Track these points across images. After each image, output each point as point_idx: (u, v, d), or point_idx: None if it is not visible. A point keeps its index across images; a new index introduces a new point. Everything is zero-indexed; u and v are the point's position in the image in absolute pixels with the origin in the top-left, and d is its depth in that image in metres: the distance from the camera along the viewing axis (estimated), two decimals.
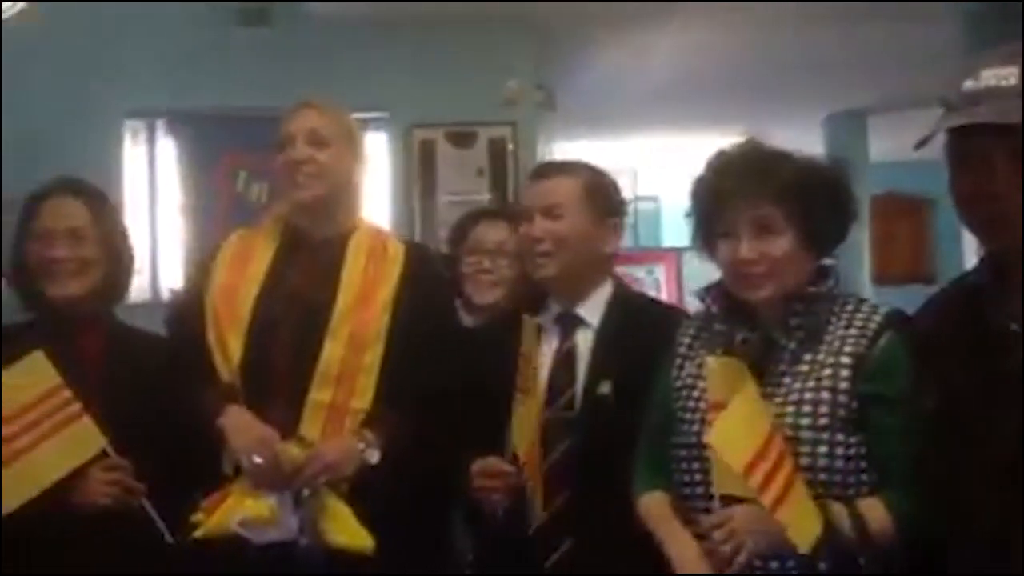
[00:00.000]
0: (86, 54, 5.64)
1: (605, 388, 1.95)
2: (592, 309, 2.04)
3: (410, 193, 5.84)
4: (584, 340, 2.01)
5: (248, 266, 2.04)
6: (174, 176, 5.36)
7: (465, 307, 2.36)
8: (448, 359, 2.03)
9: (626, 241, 2.48)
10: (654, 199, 12.57)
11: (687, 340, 1.82)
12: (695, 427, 1.71)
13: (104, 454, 1.93)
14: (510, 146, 5.84)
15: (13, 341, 2.01)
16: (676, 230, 12.42)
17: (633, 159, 10.39)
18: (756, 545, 1.55)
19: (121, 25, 5.49)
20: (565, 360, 1.99)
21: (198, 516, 1.88)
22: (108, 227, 2.08)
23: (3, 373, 1.90)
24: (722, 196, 1.69)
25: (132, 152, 5.73)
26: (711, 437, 1.57)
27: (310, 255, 2.06)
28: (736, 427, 1.57)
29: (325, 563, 1.87)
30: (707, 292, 1.79)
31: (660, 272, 10.98)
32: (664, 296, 10.97)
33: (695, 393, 1.74)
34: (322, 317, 1.97)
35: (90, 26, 5.54)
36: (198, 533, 1.87)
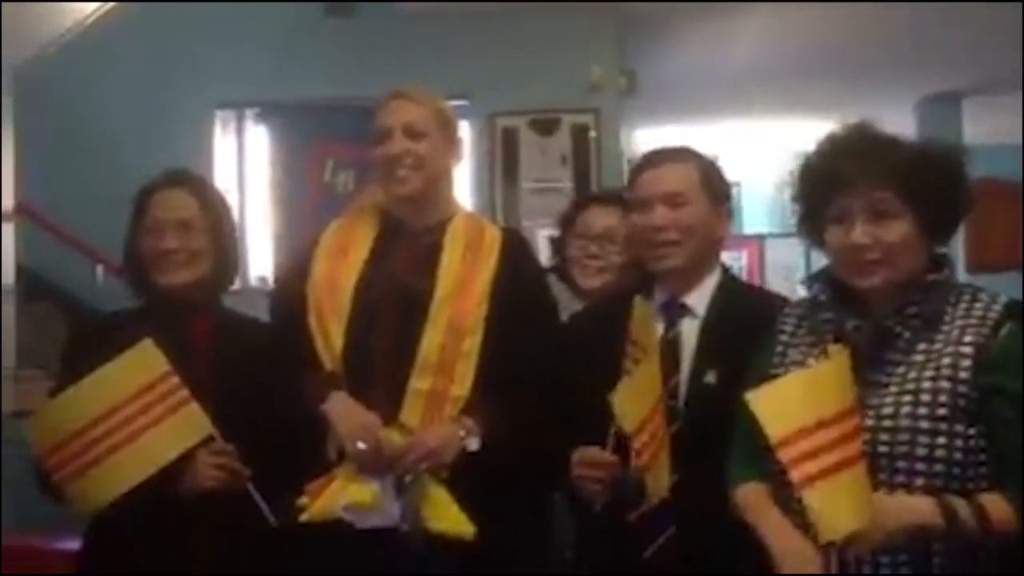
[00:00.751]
0: (176, 47, 5.77)
1: (711, 377, 1.92)
2: (699, 297, 2.01)
3: (492, 181, 5.85)
4: (689, 328, 1.99)
5: (348, 255, 2.06)
6: (263, 165, 5.45)
7: (572, 291, 2.35)
8: (547, 346, 2.03)
9: None
10: (735, 185, 12.41)
11: (789, 328, 1.79)
12: None
13: (211, 439, 1.96)
14: (593, 133, 5.81)
15: (124, 327, 2.06)
16: (756, 216, 12.29)
17: (714, 144, 10.26)
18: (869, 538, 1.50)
19: (210, 18, 5.61)
20: (669, 348, 1.97)
21: (303, 500, 1.90)
22: (216, 217, 2.12)
23: (114, 360, 1.94)
24: (835, 179, 1.65)
25: (222, 142, 5.86)
26: (752, 394, 1.53)
27: (409, 243, 2.07)
28: (790, 396, 1.52)
29: (426, 549, 1.88)
30: (814, 279, 1.75)
31: (743, 259, 10.86)
32: None
33: None
34: (421, 305, 1.97)
35: (180, 20, 5.67)
36: (303, 517, 1.89)
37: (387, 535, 1.88)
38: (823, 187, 1.68)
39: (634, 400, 1.84)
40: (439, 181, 2.10)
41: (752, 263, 10.89)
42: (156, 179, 2.15)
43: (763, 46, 6.13)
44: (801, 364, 1.71)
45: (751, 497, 1.74)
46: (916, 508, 1.53)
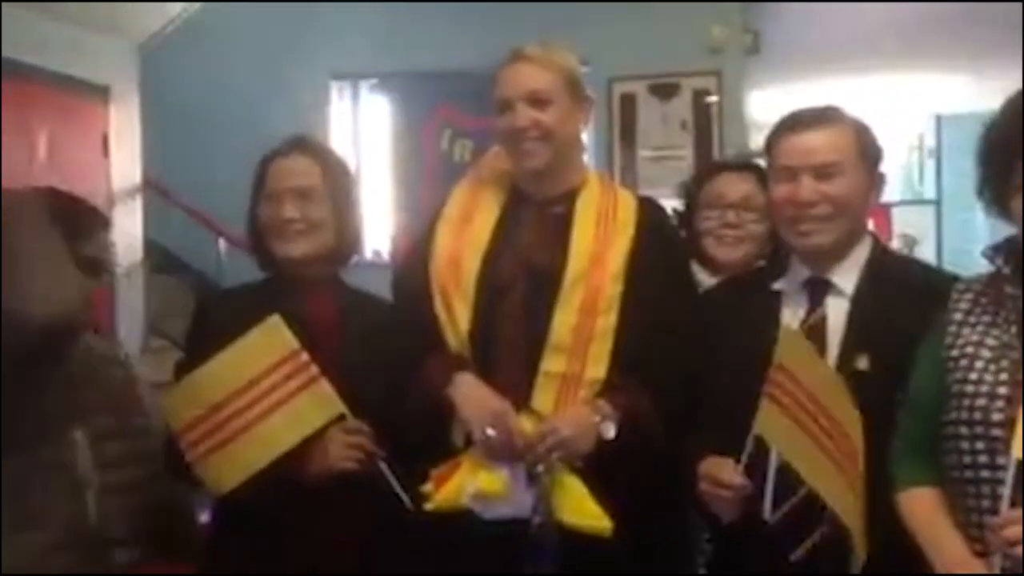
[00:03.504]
0: (293, 20, 5.78)
1: (862, 363, 1.73)
2: (847, 273, 1.82)
3: (609, 149, 5.69)
4: (836, 308, 1.80)
5: (472, 228, 1.94)
6: (381, 135, 5.41)
7: (705, 265, 2.17)
8: (688, 324, 1.88)
9: None
10: None
11: (965, 305, 1.61)
12: (979, 402, 1.51)
13: (342, 418, 1.88)
14: (714, 97, 5.59)
15: (247, 300, 2.00)
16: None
17: (838, 104, 9.78)
18: None
19: None
20: (814, 331, 1.78)
21: (427, 487, 1.81)
22: (337, 186, 2.02)
23: (242, 339, 1.88)
24: (1022, 144, 1.47)
25: (338, 112, 5.86)
26: None
27: (537, 214, 1.94)
28: None
29: (559, 542, 1.76)
30: (996, 251, 1.58)
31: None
32: None
33: (978, 364, 1.54)
34: (552, 281, 1.85)
35: None
36: (429, 505, 1.80)
37: (517, 527, 1.78)
38: (1008, 152, 1.50)
39: (834, 473, 1.64)
40: (568, 149, 1.95)
41: (880, 233, 10.39)
42: (280, 145, 2.06)
43: None
44: (979, 345, 1.55)
45: (919, 505, 1.59)
46: None
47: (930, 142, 10.79)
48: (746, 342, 1.78)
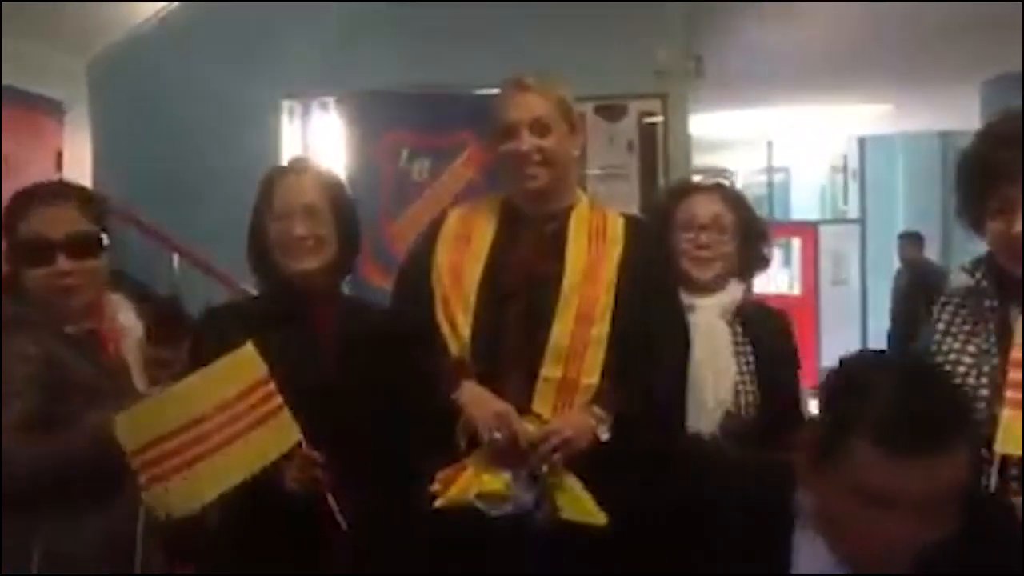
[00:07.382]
0: (246, 38, 5.80)
1: None
2: None
3: None
4: None
5: (471, 244, 2.06)
6: (333, 154, 5.42)
7: (679, 283, 2.24)
8: (673, 332, 2.03)
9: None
10: (785, 170, 12.32)
11: (947, 316, 1.76)
12: None
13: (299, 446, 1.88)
14: (658, 117, 5.77)
15: (248, 315, 2.06)
16: (809, 203, 12.09)
17: (770, 129, 10.20)
18: None
19: (280, 7, 5.63)
20: None
21: (435, 487, 1.91)
22: (340, 204, 2.12)
23: (213, 365, 1.87)
24: (995, 170, 1.63)
25: (288, 131, 5.88)
26: None
27: (533, 231, 2.07)
28: None
29: (558, 538, 1.87)
30: (976, 266, 1.74)
31: (795, 246, 10.76)
32: (798, 272, 10.78)
33: (960, 368, 1.69)
34: (549, 293, 1.97)
35: (247, 10, 5.70)
36: (437, 503, 1.90)
37: (519, 521, 1.89)
38: (983, 178, 1.66)
39: None
40: (564, 171, 2.09)
41: (806, 250, 10.79)
42: (281, 165, 2.16)
43: (834, 28, 6.05)
44: (961, 352, 1.70)
45: None
46: None
47: (854, 164, 11.23)
48: None
